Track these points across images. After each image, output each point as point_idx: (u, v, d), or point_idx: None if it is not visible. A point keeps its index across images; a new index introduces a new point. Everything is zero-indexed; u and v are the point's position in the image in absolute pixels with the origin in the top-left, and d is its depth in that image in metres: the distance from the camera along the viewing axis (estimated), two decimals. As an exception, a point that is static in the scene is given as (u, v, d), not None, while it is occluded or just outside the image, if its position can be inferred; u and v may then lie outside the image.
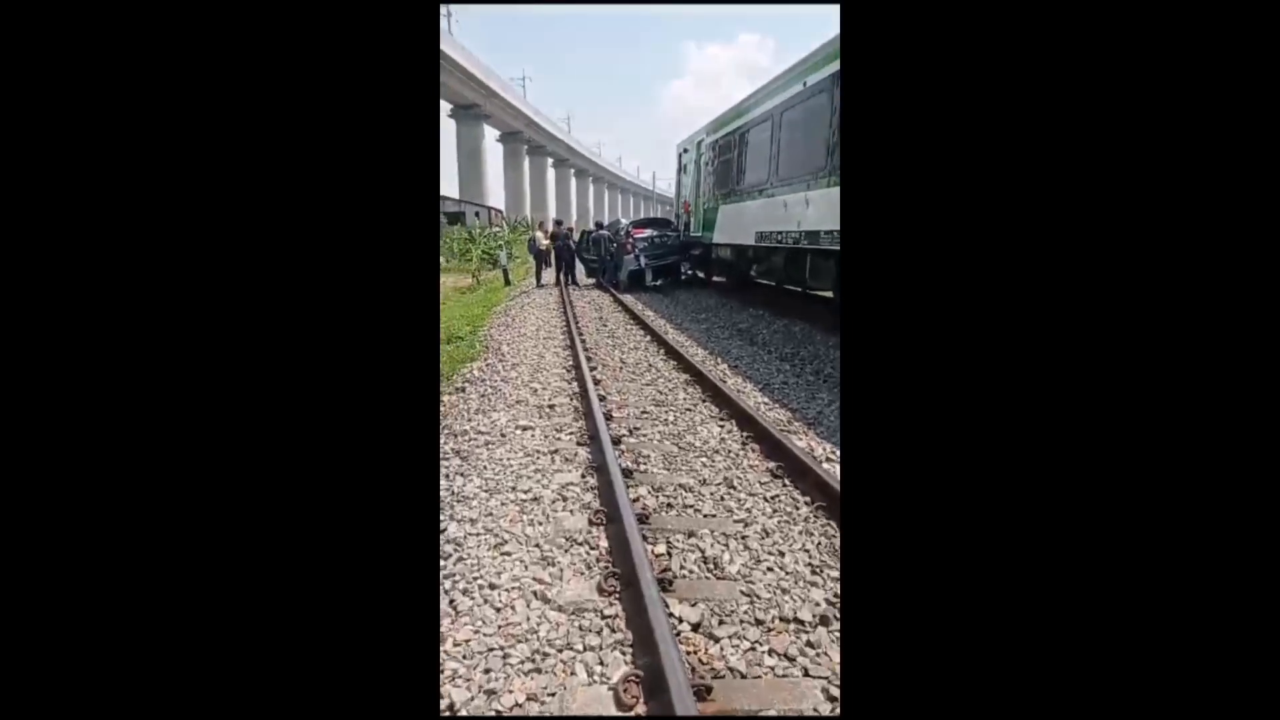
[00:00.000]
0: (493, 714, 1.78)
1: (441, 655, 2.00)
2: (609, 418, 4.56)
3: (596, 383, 5.60)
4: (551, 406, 4.96)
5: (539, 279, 15.82)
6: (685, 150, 14.37)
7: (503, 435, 4.29)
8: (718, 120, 11.86)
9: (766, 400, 5.28)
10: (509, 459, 3.85)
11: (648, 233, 14.55)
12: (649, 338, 8.25)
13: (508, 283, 16.44)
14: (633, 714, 1.79)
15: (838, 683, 1.90)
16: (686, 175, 14.29)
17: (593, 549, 2.75)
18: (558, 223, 15.68)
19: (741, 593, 2.40)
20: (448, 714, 1.77)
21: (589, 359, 6.62)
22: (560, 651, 2.04)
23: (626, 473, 3.49)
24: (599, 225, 16.86)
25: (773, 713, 1.80)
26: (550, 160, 70.55)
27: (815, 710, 1.81)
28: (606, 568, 2.56)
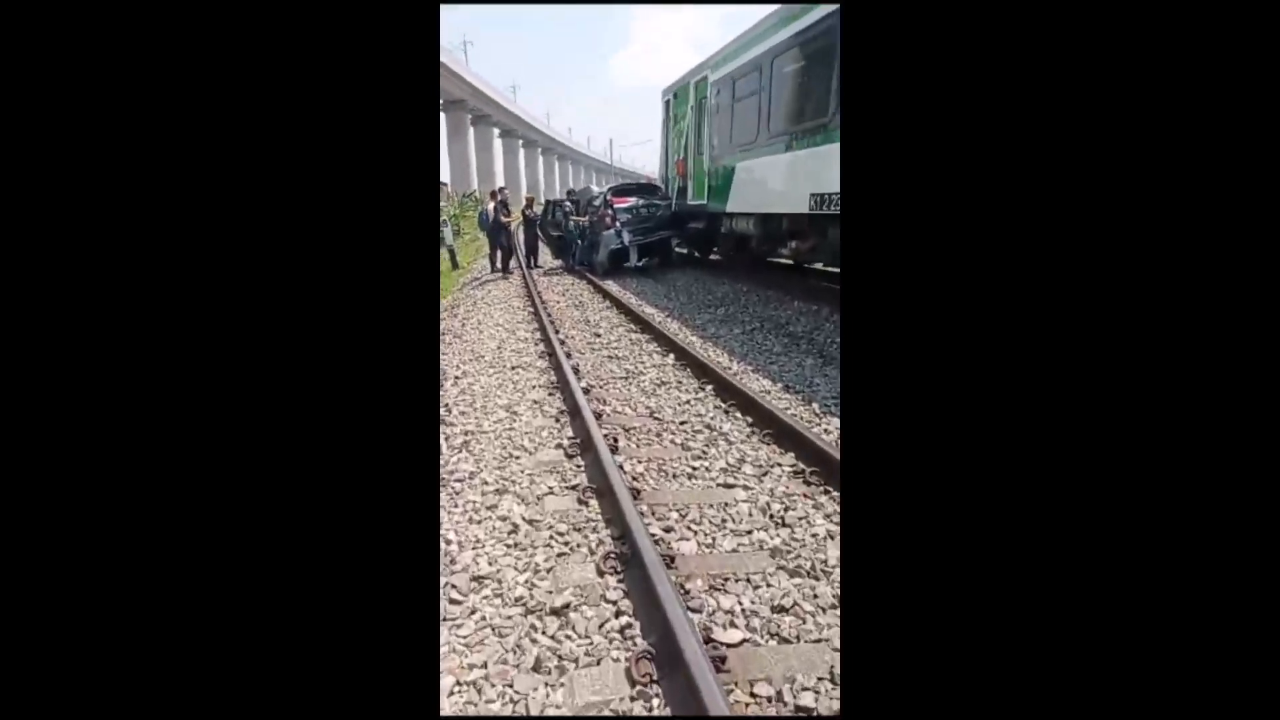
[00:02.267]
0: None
1: None
2: (720, 664, 1.73)
3: (637, 496, 2.75)
4: (563, 612, 2.07)
5: (493, 262, 12.73)
6: (675, 96, 11.33)
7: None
8: (736, 45, 8.81)
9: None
10: None
11: (631, 202, 11.55)
12: (672, 356, 5.40)
13: (456, 265, 13.35)
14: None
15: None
16: (679, 128, 11.27)
17: None
18: (501, 189, 12.17)
19: None
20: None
21: (597, 414, 3.75)
22: None
23: None
24: (571, 193, 13.69)
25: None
26: (497, 131, 66.27)
27: None
28: None
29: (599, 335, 6.42)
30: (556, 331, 6.39)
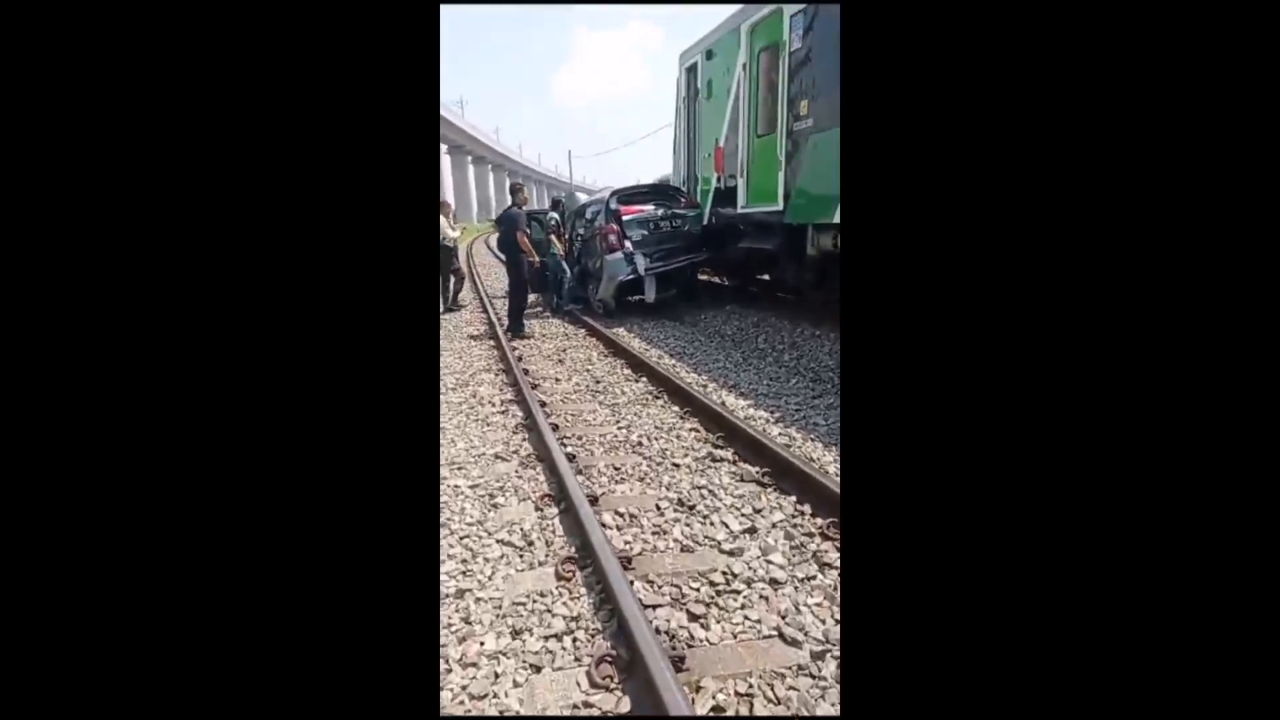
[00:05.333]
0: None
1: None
2: None
3: None
4: None
5: (451, 298, 9.06)
6: (707, 56, 7.84)
7: None
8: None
9: None
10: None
11: (646, 211, 7.98)
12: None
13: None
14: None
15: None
16: (715, 102, 7.77)
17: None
18: (517, 188, 7.69)
19: None
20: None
21: None
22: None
23: None
24: (556, 203, 9.99)
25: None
26: (445, 148, 62.41)
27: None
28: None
29: (685, 504, 2.86)
30: (587, 483, 2.80)
